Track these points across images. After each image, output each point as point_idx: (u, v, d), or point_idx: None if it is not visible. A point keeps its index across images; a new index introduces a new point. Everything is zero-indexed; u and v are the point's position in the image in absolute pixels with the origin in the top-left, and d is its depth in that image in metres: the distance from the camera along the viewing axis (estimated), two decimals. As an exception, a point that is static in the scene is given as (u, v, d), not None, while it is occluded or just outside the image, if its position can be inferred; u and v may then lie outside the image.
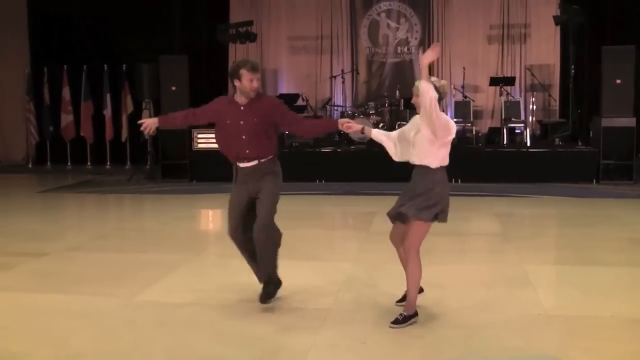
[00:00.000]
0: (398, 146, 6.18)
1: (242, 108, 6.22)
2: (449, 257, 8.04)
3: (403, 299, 6.23)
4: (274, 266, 6.38)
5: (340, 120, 6.26)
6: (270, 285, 6.36)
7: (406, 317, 5.87)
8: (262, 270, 6.37)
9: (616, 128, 14.05)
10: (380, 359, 5.16)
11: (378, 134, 6.36)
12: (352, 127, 6.24)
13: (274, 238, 6.29)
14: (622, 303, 6.43)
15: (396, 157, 6.21)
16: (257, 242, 6.19)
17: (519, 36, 17.57)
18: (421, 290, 6.16)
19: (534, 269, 7.60)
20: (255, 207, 6.27)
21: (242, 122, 6.20)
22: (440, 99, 5.70)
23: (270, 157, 6.32)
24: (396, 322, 5.84)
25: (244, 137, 6.19)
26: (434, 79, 5.78)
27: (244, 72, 6.11)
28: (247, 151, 6.22)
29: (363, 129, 6.30)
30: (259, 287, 6.44)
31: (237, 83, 6.17)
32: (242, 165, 6.29)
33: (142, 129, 6.56)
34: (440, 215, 5.86)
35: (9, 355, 5.28)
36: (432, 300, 6.41)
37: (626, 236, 9.47)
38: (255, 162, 6.25)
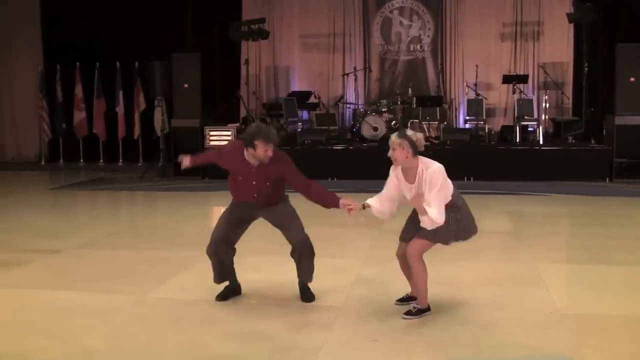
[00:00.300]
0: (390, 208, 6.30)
1: (253, 170, 6.27)
2: (460, 255, 8.02)
3: (404, 299, 6.31)
4: (311, 274, 6.57)
5: (343, 202, 6.27)
6: (308, 291, 6.58)
7: (420, 310, 5.96)
8: (306, 276, 6.56)
9: (630, 126, 14.03)
10: (391, 356, 5.15)
11: (375, 206, 6.34)
12: (352, 209, 6.24)
13: (313, 250, 6.48)
14: (634, 302, 6.41)
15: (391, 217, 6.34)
16: (301, 257, 6.42)
17: (532, 34, 17.53)
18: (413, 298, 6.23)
19: (546, 268, 7.58)
20: (240, 230, 6.54)
21: (254, 183, 6.30)
22: (415, 153, 5.79)
23: (282, 198, 6.54)
24: (409, 313, 5.94)
25: (255, 195, 6.35)
26: (409, 132, 5.86)
27: (258, 144, 6.09)
28: (259, 204, 6.41)
29: (363, 206, 6.29)
30: (270, 284, 6.50)
31: (251, 151, 6.17)
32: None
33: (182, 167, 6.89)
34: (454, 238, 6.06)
35: (21, 351, 5.30)
36: (444, 298, 6.40)
37: (639, 235, 9.43)
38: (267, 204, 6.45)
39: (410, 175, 5.90)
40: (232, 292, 6.66)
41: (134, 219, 11.75)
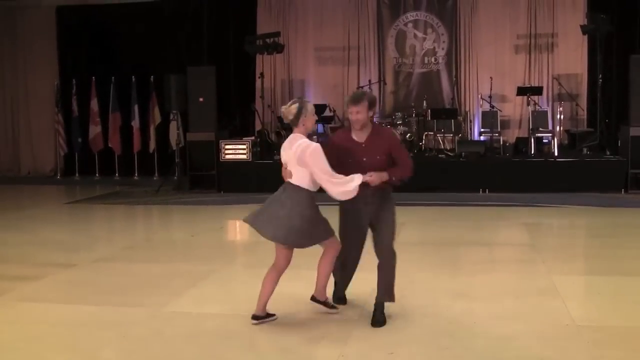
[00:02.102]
0: None
1: (363, 145, 6.17)
2: (477, 267, 8.02)
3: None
4: (392, 292, 6.41)
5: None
6: (381, 310, 6.32)
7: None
8: (383, 289, 6.37)
9: (644, 137, 13.98)
10: (408, 369, 5.16)
11: None
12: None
13: (394, 259, 6.40)
14: (651, 313, 6.40)
15: None
16: (386, 266, 6.32)
17: (546, 45, 17.50)
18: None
19: (563, 279, 7.56)
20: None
21: (365, 159, 6.13)
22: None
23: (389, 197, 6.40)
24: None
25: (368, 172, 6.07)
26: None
27: (349, 106, 6.11)
28: (371, 191, 6.17)
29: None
30: (287, 297, 6.57)
31: (348, 115, 6.16)
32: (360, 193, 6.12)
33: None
34: None
35: (39, 365, 5.33)
36: (460, 311, 6.41)
37: (655, 246, 9.41)
38: (378, 191, 6.25)
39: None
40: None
41: (149, 233, 11.78)
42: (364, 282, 7.42)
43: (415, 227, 10.83)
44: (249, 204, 13.09)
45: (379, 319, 6.19)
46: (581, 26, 15.78)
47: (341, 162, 6.09)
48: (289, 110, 6.05)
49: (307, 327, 6.14)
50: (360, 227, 6.35)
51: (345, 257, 6.46)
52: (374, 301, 6.40)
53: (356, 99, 6.08)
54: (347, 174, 5.96)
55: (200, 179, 15.49)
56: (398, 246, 9.37)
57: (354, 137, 6.19)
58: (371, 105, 6.14)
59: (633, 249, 9.26)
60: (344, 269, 6.60)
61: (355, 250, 6.44)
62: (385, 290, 6.32)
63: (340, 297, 6.83)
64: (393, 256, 6.31)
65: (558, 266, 8.22)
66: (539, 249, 9.25)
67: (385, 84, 18.17)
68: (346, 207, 6.32)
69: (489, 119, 16.25)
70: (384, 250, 6.27)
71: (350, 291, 7.11)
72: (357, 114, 6.05)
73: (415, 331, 5.88)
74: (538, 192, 13.74)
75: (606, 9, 15.54)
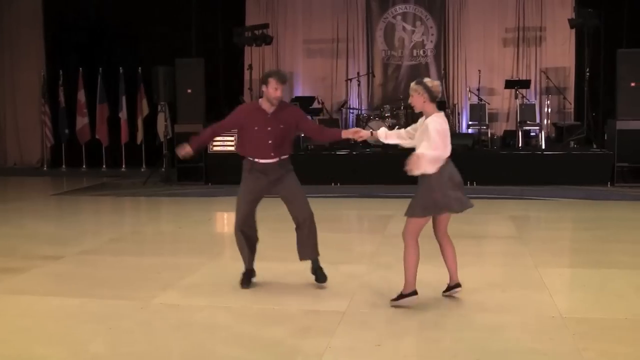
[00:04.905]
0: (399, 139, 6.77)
1: (268, 115, 6.80)
2: (464, 260, 8.02)
3: (447, 289, 6.65)
4: (317, 248, 7.06)
5: (345, 132, 7.11)
6: (321, 269, 7.05)
7: (401, 294, 6.32)
8: (312, 253, 7.04)
9: (631, 131, 14.05)
10: (395, 361, 5.17)
11: (382, 133, 6.88)
12: (361, 134, 6.96)
13: (315, 226, 6.98)
14: (636, 305, 6.42)
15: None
16: (307, 232, 6.92)
17: (534, 39, 17.58)
18: (458, 285, 6.61)
19: (549, 272, 7.59)
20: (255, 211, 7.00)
21: (269, 129, 6.76)
22: (433, 99, 6.31)
23: (289, 154, 6.98)
24: (394, 299, 6.35)
25: (270, 141, 6.77)
26: (426, 79, 6.41)
27: (271, 80, 6.69)
28: (272, 154, 6.81)
29: (371, 133, 6.91)
30: (272, 290, 6.62)
31: (264, 88, 6.75)
32: (262, 161, 6.84)
33: (182, 158, 7.15)
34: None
35: (25, 358, 5.31)
36: (448, 303, 6.43)
37: (641, 239, 9.46)
38: (276, 159, 6.86)
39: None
40: (251, 275, 7.14)
41: (137, 225, 11.76)
42: (350, 275, 7.43)
43: (403, 219, 10.83)
44: (236, 196, 13.11)
45: (323, 277, 7.01)
46: (569, 20, 15.84)
47: (245, 130, 6.88)
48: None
49: (295, 318, 6.14)
50: (252, 192, 6.90)
51: (242, 223, 6.92)
52: (360, 294, 6.58)
53: (284, 79, 6.81)
54: (251, 141, 6.81)
55: (188, 171, 15.46)
56: (386, 238, 9.44)
57: (263, 107, 6.83)
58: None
59: (619, 241, 9.30)
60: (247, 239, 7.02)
61: (251, 217, 6.99)
62: (314, 249, 7.01)
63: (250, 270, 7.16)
64: (312, 219, 6.91)
65: (545, 259, 8.25)
66: (526, 241, 9.28)
67: (373, 76, 18.20)
68: (246, 175, 6.94)
69: (477, 111, 16.31)
70: (306, 216, 6.87)
71: (339, 282, 7.13)
72: (279, 92, 6.73)
73: (403, 323, 5.89)
74: (525, 185, 13.79)
75: (594, 3, 15.61)
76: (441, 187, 6.18)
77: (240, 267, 7.15)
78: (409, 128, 6.68)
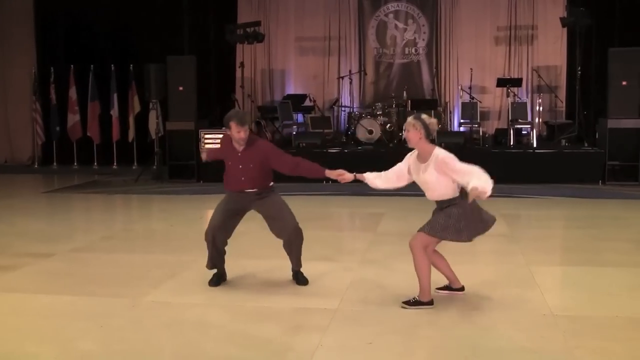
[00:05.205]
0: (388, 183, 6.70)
1: (239, 154, 6.95)
2: (456, 258, 8.03)
3: (442, 288, 6.73)
4: (300, 260, 7.16)
5: (329, 172, 6.92)
6: (301, 274, 7.16)
7: (417, 301, 6.28)
8: (295, 265, 7.16)
9: (622, 129, 14.08)
10: (386, 359, 5.17)
11: (369, 178, 6.81)
12: (345, 177, 6.84)
13: (302, 236, 7.03)
14: (627, 303, 6.45)
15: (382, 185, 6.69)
16: (293, 243, 6.99)
17: (526, 38, 17.60)
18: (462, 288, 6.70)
19: (540, 270, 7.61)
20: (234, 221, 7.06)
21: (240, 167, 6.94)
22: (428, 136, 6.22)
23: (269, 186, 7.06)
24: (407, 302, 6.28)
25: (242, 178, 6.94)
26: (424, 116, 6.29)
27: (232, 124, 6.81)
28: (247, 189, 6.98)
29: (355, 176, 6.81)
30: (264, 288, 6.69)
31: (228, 132, 6.93)
32: (239, 192, 7.02)
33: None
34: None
35: (16, 356, 5.30)
36: (439, 301, 6.43)
37: (632, 237, 9.47)
38: (254, 190, 6.98)
39: (422, 157, 6.26)
40: (221, 278, 7.17)
41: (128, 223, 11.73)
42: (341, 273, 7.43)
43: (394, 217, 10.87)
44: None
45: (304, 280, 7.11)
46: (561, 19, 15.86)
47: (225, 160, 7.07)
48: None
49: (286, 316, 6.14)
50: (227, 210, 7.01)
51: (213, 231, 6.96)
52: (352, 292, 6.65)
53: (244, 122, 6.86)
54: (227, 173, 7.07)
55: (180, 169, 15.43)
56: (377, 236, 9.45)
57: (234, 144, 6.97)
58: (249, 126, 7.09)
59: (610, 240, 9.32)
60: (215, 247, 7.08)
61: (224, 230, 7.00)
62: (298, 261, 7.13)
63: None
64: (300, 234, 6.98)
65: (536, 257, 8.27)
66: (518, 240, 9.30)
67: (365, 74, 18.19)
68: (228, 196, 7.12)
69: (469, 110, 16.31)
70: (291, 231, 6.92)
71: (330, 280, 7.14)
72: (242, 134, 6.82)
73: (395, 321, 5.90)
74: (517, 183, 13.78)
75: (585, 2, 15.68)
76: (472, 217, 6.28)
77: (234, 265, 7.14)
78: (395, 169, 6.60)
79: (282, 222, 6.94)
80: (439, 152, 6.17)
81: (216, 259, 7.08)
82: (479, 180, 5.95)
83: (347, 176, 6.79)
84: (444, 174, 6.10)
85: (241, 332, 5.76)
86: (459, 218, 6.17)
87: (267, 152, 7.00)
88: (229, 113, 6.95)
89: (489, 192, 5.98)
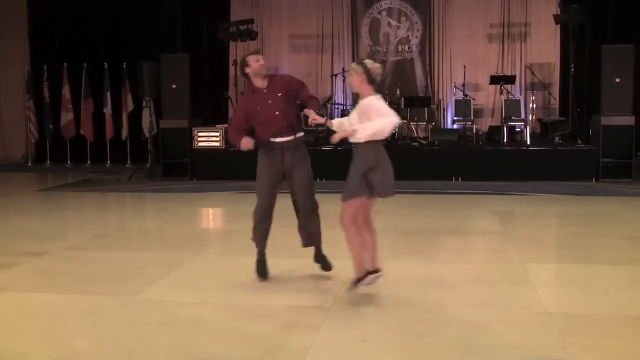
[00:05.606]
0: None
1: (265, 91, 6.92)
2: (450, 256, 8.06)
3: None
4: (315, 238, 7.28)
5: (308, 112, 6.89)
6: (325, 257, 7.32)
7: (356, 280, 6.44)
8: (310, 240, 7.28)
9: (615, 126, 14.08)
10: (380, 357, 5.17)
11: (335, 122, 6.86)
12: (315, 118, 6.76)
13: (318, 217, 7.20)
14: (622, 301, 6.45)
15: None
16: (311, 223, 7.15)
17: (519, 35, 17.60)
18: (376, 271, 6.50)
19: (534, 267, 7.61)
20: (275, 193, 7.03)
21: (270, 102, 6.88)
22: (371, 81, 6.21)
23: (302, 133, 7.06)
24: (350, 288, 6.45)
25: (277, 112, 6.87)
26: (367, 61, 6.29)
27: (249, 58, 6.90)
28: (285, 123, 6.89)
29: (326, 121, 6.82)
30: (258, 285, 6.64)
31: (248, 70, 6.90)
32: (278, 140, 6.90)
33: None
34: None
35: (9, 355, 5.29)
36: (433, 299, 6.43)
37: (626, 234, 9.47)
38: (292, 137, 6.93)
39: None
40: (265, 264, 7.20)
41: (122, 221, 11.70)
42: (335, 271, 7.43)
43: (388, 215, 10.85)
44: (222, 192, 13.11)
45: (328, 265, 7.30)
46: (554, 16, 15.88)
47: (253, 115, 6.95)
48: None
49: (280, 314, 6.13)
50: (271, 178, 6.97)
51: (265, 209, 6.98)
52: (347, 288, 6.57)
53: (258, 51, 7.18)
54: (263, 122, 6.90)
55: (173, 167, 15.40)
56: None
57: (257, 86, 6.96)
58: None
59: (604, 237, 9.32)
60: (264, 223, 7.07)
61: (268, 206, 7.02)
62: (313, 237, 7.24)
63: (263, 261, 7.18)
64: (316, 211, 7.17)
65: (530, 254, 8.27)
66: (511, 237, 9.31)
67: (358, 72, 18.13)
68: (261, 159, 7.01)
69: (462, 107, 16.32)
70: (307, 207, 7.08)
71: (324, 277, 7.13)
72: (262, 61, 6.90)
73: (388, 319, 5.90)
74: (510, 181, 13.81)
75: (578, -1, 15.66)
76: (378, 172, 6.29)
77: (228, 264, 7.12)
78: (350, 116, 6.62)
79: (304, 198, 7.07)
80: (370, 100, 6.20)
81: (266, 237, 7.14)
82: (365, 127, 6.06)
83: (319, 119, 6.75)
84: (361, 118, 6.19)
85: (235, 329, 5.76)
86: (354, 173, 6.31)
87: (290, 79, 7.23)
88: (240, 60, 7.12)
89: (359, 135, 6.11)
